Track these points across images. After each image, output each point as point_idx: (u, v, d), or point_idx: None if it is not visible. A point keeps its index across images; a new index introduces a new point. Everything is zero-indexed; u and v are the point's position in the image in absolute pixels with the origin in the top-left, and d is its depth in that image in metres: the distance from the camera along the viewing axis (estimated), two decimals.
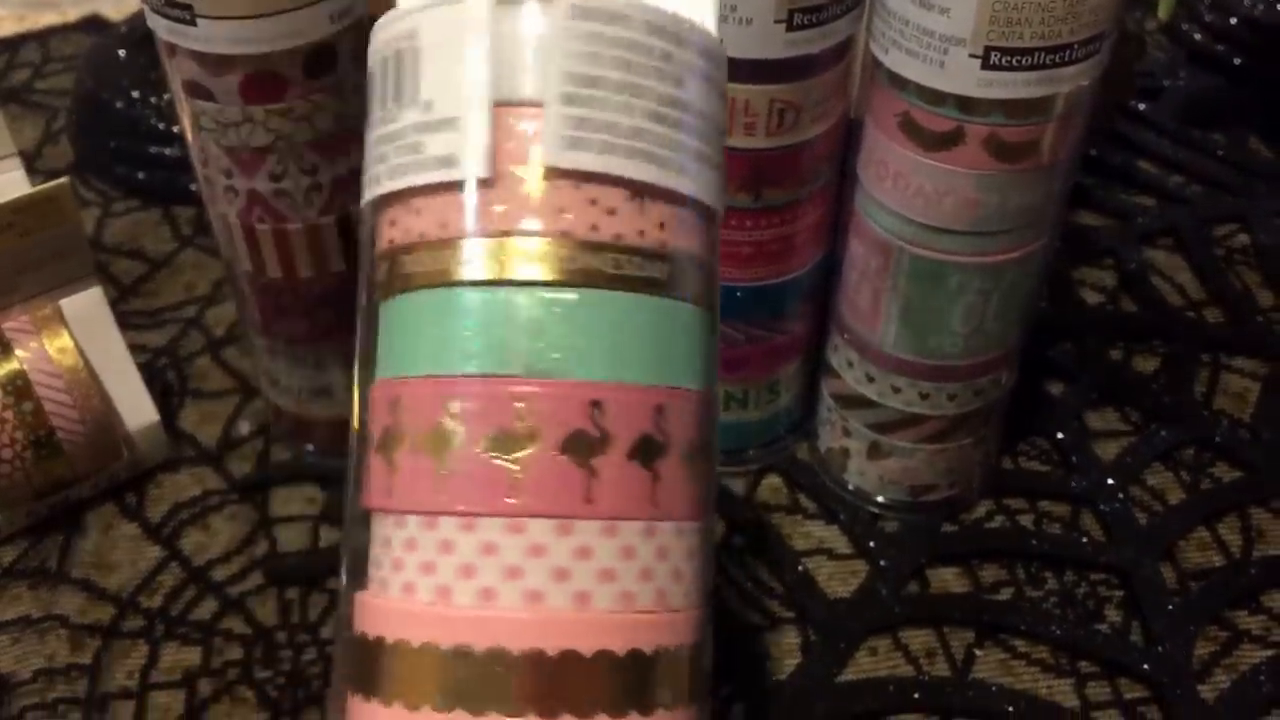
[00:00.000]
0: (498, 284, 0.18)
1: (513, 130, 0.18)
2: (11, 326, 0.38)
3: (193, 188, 0.45)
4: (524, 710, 0.17)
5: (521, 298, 0.18)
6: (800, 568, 0.39)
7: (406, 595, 0.18)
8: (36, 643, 0.37)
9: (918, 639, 0.37)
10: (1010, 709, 0.35)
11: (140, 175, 0.52)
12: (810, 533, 0.40)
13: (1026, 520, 0.40)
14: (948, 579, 0.39)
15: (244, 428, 0.43)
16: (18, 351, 0.38)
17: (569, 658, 0.17)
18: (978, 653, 0.37)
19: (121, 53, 0.54)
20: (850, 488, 0.40)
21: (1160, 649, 0.36)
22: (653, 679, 0.18)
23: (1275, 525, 0.40)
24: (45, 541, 0.40)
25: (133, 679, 0.36)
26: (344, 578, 0.20)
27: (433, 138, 0.19)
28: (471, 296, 0.18)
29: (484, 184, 0.18)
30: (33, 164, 0.54)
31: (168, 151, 0.52)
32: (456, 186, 0.18)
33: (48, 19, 0.64)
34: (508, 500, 0.18)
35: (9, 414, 0.37)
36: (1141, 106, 0.56)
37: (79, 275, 0.39)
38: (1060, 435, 0.42)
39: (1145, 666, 0.36)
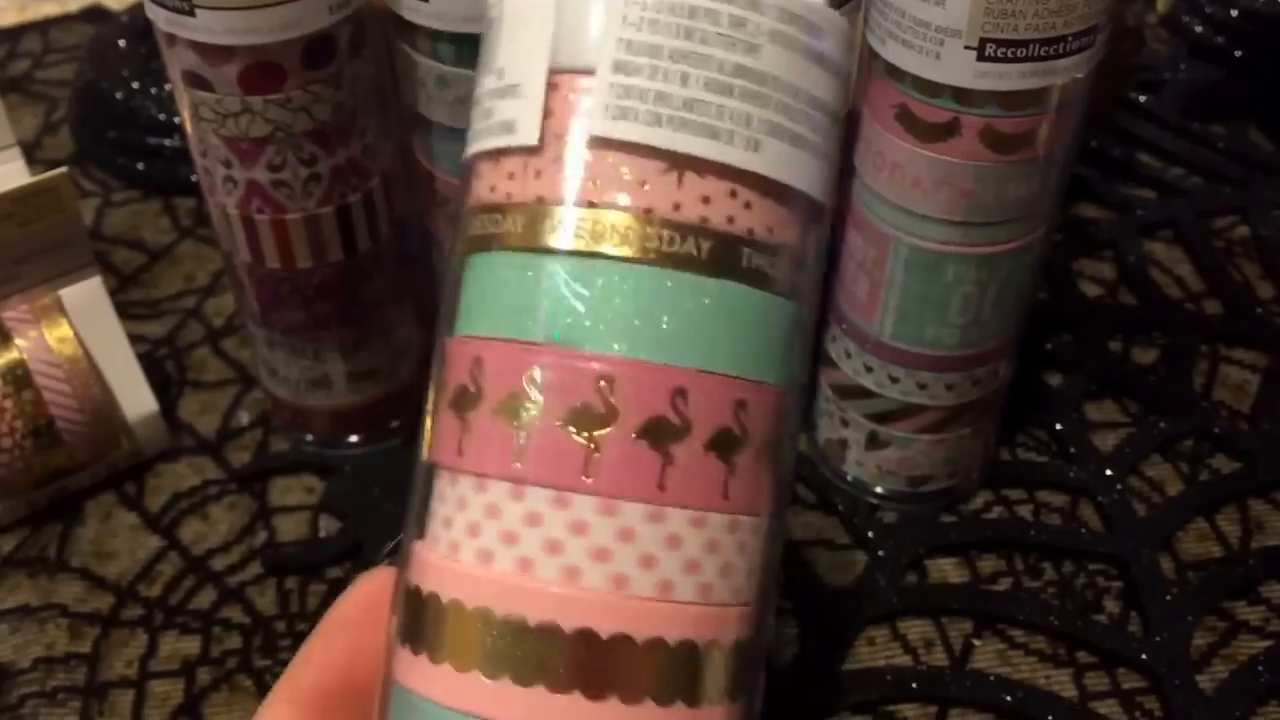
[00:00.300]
0: (589, 256, 0.18)
1: (578, 99, 0.18)
2: (11, 316, 0.38)
3: (193, 178, 0.45)
4: (570, 688, 0.17)
5: (613, 274, 0.18)
6: (799, 558, 0.39)
7: (466, 557, 0.18)
8: (36, 631, 0.37)
9: (916, 629, 0.37)
10: (1008, 699, 0.35)
11: (140, 166, 0.52)
12: (809, 523, 0.40)
13: (1025, 511, 0.40)
14: (946, 569, 0.39)
15: (243, 418, 0.43)
16: (17, 341, 0.38)
17: (619, 640, 0.17)
18: (976, 643, 0.37)
19: (122, 43, 0.54)
20: (849, 478, 0.40)
21: (1159, 639, 0.36)
22: (702, 671, 0.18)
23: (1274, 516, 0.40)
24: (45, 530, 0.40)
25: (132, 668, 0.36)
26: (408, 522, 0.20)
27: (501, 103, 0.19)
28: (562, 266, 0.18)
29: (559, 150, 0.18)
30: (33, 154, 0.54)
31: (168, 142, 0.52)
32: (529, 151, 0.18)
33: (48, 9, 0.64)
34: (583, 478, 0.17)
35: (9, 403, 0.37)
36: (1141, 99, 0.56)
37: (78, 265, 0.39)
38: (1059, 426, 0.42)
39: (1143, 657, 0.36)
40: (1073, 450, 0.42)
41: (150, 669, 0.36)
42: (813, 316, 0.20)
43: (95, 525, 0.40)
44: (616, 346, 0.18)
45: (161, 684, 0.36)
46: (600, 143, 0.18)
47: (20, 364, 0.37)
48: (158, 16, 0.32)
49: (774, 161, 0.18)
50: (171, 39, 0.32)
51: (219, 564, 0.39)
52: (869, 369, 0.37)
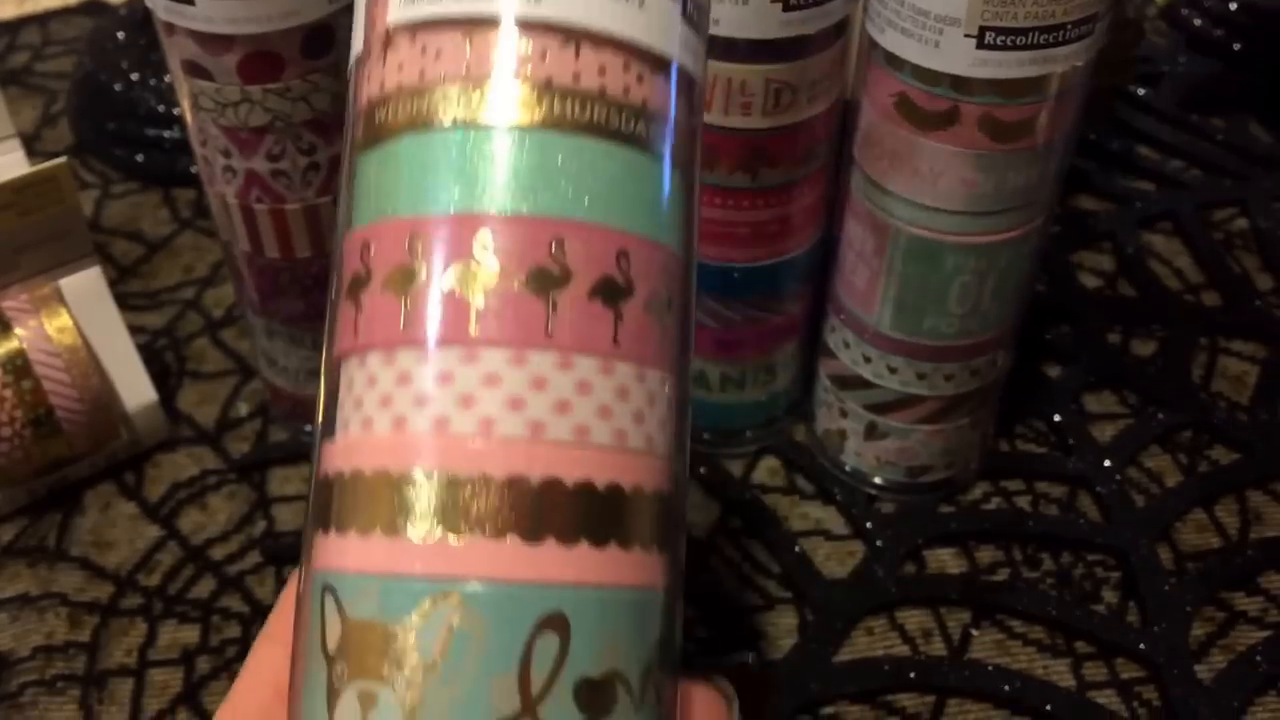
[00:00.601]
0: (471, 126, 0.19)
1: None
2: (11, 305, 0.38)
3: (192, 170, 0.45)
4: (504, 533, 0.17)
5: (495, 139, 0.18)
6: (797, 548, 0.39)
7: (364, 430, 0.19)
8: (35, 620, 0.37)
9: (914, 619, 0.37)
10: (1006, 688, 0.35)
11: (139, 157, 0.52)
12: (807, 514, 0.40)
13: (1023, 502, 0.40)
14: (944, 560, 0.39)
15: (242, 408, 0.43)
16: (17, 330, 0.38)
17: (549, 485, 0.18)
18: (974, 633, 0.37)
19: (121, 35, 0.54)
20: (847, 469, 0.40)
21: (1157, 629, 0.36)
22: (630, 514, 0.18)
23: (1273, 507, 0.40)
24: (44, 520, 0.40)
25: (131, 656, 0.36)
26: (316, 440, 0.20)
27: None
28: (443, 138, 0.19)
29: (457, 27, 0.19)
30: (32, 146, 0.54)
31: (167, 134, 0.52)
32: (435, 26, 0.19)
33: (48, 2, 0.64)
34: (479, 333, 0.18)
35: (8, 392, 0.37)
36: (1141, 92, 0.56)
37: (78, 255, 0.39)
38: (1057, 418, 0.42)
39: (1142, 647, 0.36)
40: (1071, 441, 0.42)
41: (150, 658, 0.36)
42: (694, 190, 0.21)
43: (94, 515, 0.40)
44: (499, 208, 0.18)
45: (161, 673, 0.36)
46: (529, 23, 0.19)
47: (20, 353, 0.37)
48: (157, 5, 0.32)
49: (676, 44, 0.19)
50: (171, 28, 0.32)
51: (218, 553, 0.39)
52: (867, 359, 0.37)
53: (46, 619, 0.37)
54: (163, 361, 0.45)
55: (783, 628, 0.37)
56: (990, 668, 0.36)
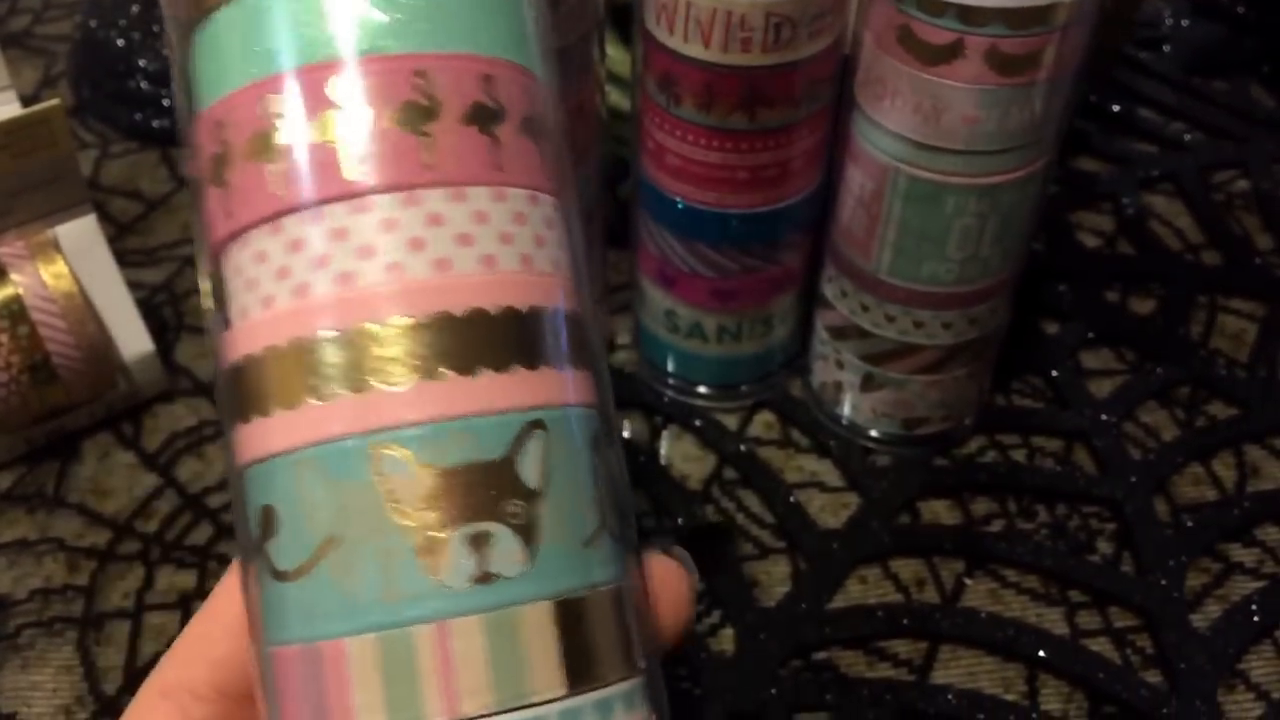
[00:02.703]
0: None
1: None
2: (6, 252, 0.38)
3: None
4: (407, 378, 0.17)
5: None
6: (792, 499, 0.39)
7: (266, 307, 0.18)
8: (33, 564, 0.37)
9: (908, 568, 0.37)
10: (999, 636, 0.35)
11: (138, 117, 0.52)
12: (802, 466, 0.40)
13: (1019, 455, 0.40)
14: (939, 511, 0.39)
15: None
16: (13, 276, 0.38)
17: (441, 320, 0.17)
18: (968, 582, 0.37)
19: None
20: (843, 422, 0.40)
21: (1152, 579, 0.36)
22: (530, 337, 0.18)
23: (1270, 462, 0.40)
24: (43, 467, 0.40)
25: (129, 600, 0.36)
26: (212, 330, 0.20)
27: None
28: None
29: None
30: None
31: (165, 93, 0.52)
32: None
33: None
34: (357, 180, 0.17)
35: (4, 338, 0.37)
36: (1143, 55, 0.56)
37: (73, 203, 0.39)
38: (1055, 373, 0.42)
39: (1136, 596, 0.36)
40: (1068, 396, 0.42)
41: (147, 601, 0.36)
42: (544, 19, 0.21)
43: (93, 463, 0.40)
44: (349, 50, 0.18)
45: (158, 616, 0.36)
46: None
47: (16, 299, 0.37)
48: None
49: None
50: None
51: (215, 501, 0.39)
52: (865, 308, 0.37)
53: (44, 563, 0.37)
54: (161, 316, 0.45)
55: (776, 576, 0.37)
56: (983, 615, 0.36)
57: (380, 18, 0.18)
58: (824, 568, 0.37)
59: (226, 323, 0.19)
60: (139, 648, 0.35)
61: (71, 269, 0.38)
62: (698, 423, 0.41)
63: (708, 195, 0.36)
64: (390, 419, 0.17)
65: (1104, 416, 0.41)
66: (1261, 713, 0.34)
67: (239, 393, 0.18)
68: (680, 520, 0.37)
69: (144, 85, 0.52)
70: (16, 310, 0.37)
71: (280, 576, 0.18)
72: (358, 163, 0.17)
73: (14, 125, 0.36)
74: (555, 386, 0.18)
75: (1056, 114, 0.32)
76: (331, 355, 0.17)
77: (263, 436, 0.18)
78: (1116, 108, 0.54)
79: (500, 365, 0.18)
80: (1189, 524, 0.38)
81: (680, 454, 0.40)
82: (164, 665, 0.21)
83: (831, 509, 0.39)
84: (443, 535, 0.17)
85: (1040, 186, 0.34)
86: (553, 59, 0.20)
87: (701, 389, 0.41)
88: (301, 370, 0.17)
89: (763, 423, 0.41)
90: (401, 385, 0.17)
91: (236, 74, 0.18)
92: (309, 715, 0.17)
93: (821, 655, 0.35)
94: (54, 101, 0.36)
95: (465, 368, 0.17)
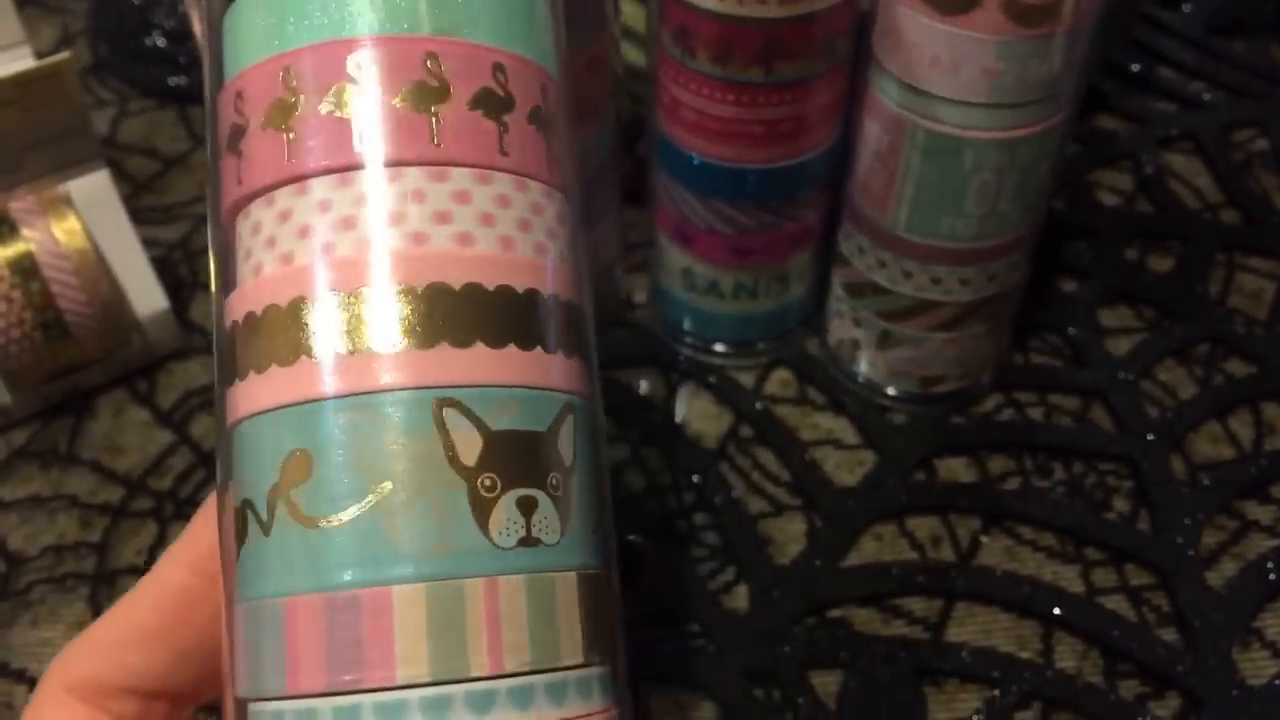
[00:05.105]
0: None
1: None
2: (18, 207, 0.38)
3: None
4: (472, 340, 0.18)
5: None
6: (807, 457, 0.39)
7: (293, 261, 0.18)
8: (46, 521, 0.37)
9: (923, 526, 0.37)
10: (1014, 593, 0.35)
11: (155, 75, 0.52)
12: (818, 424, 0.40)
13: (1036, 413, 0.40)
14: (955, 469, 0.39)
15: None
16: (24, 231, 0.37)
17: (436, 290, 0.18)
18: (983, 539, 0.37)
19: None
20: (860, 380, 0.40)
21: (1168, 536, 0.36)
22: (575, 327, 0.19)
23: None
24: (56, 424, 0.40)
25: (141, 556, 0.37)
26: (215, 305, 0.20)
27: None
28: None
29: None
30: None
31: (183, 52, 0.52)
32: None
33: None
34: (358, 152, 0.18)
35: (16, 294, 0.37)
36: (1163, 13, 0.55)
37: (85, 158, 0.39)
38: (1072, 331, 0.42)
39: (1152, 553, 0.36)
40: (1086, 354, 0.41)
41: (159, 558, 0.36)
42: (562, 24, 0.21)
43: (107, 420, 0.40)
44: (367, 28, 0.18)
45: None
46: None
47: (28, 255, 0.37)
48: None
49: None
50: None
51: None
52: (882, 264, 0.36)
53: (57, 520, 0.38)
54: (177, 274, 0.45)
55: (791, 533, 0.37)
56: (999, 573, 0.36)
57: (399, 4, 0.18)
58: (839, 525, 0.37)
59: (227, 288, 0.19)
60: None
61: (84, 225, 0.38)
62: (714, 380, 0.41)
63: (724, 150, 0.35)
64: (456, 376, 0.18)
65: (1122, 374, 0.41)
66: (1277, 671, 0.34)
67: (256, 342, 0.18)
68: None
69: (161, 43, 0.52)
70: (28, 266, 0.37)
71: (309, 522, 0.17)
72: (365, 137, 0.18)
73: (24, 79, 0.35)
74: (584, 377, 0.20)
75: (1075, 68, 0.31)
76: (393, 307, 0.18)
77: (295, 381, 0.18)
78: (1136, 67, 0.53)
79: (551, 347, 0.18)
80: (1205, 482, 0.38)
81: (697, 412, 0.40)
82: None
83: (847, 466, 0.39)
84: (496, 495, 0.17)
85: (1059, 142, 0.33)
86: (565, 55, 0.21)
87: (718, 347, 0.41)
88: (356, 319, 0.18)
89: (779, 380, 0.41)
90: (466, 346, 0.18)
91: (259, 47, 0.19)
92: (336, 668, 0.17)
93: (836, 613, 0.35)
94: (64, 55, 0.36)
95: (527, 343, 0.18)
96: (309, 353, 0.18)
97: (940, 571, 0.36)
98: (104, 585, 0.36)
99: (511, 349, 0.18)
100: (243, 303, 0.19)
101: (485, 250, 0.18)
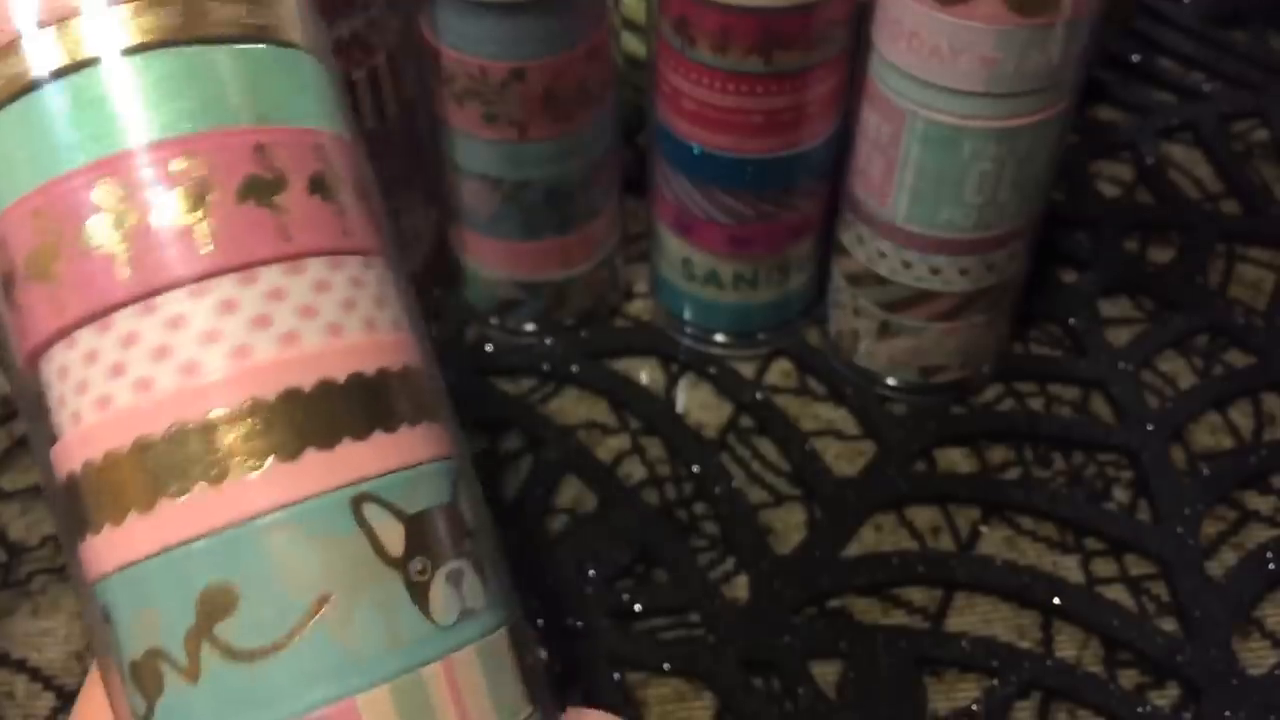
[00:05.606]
0: (81, 66, 0.17)
1: None
2: None
3: None
4: (262, 459, 0.17)
5: (121, 69, 0.17)
6: (807, 447, 0.39)
7: (122, 397, 0.17)
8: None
9: (923, 516, 0.37)
10: (1014, 583, 0.35)
11: None
12: (818, 414, 0.40)
13: (1036, 403, 0.40)
14: (955, 459, 0.39)
15: None
16: None
17: (290, 395, 0.17)
18: (983, 529, 0.37)
19: None
20: (860, 370, 0.40)
21: (1168, 527, 0.36)
22: (384, 398, 0.18)
23: None
24: None
25: None
26: (38, 458, 0.18)
27: None
28: (54, 89, 0.17)
29: None
30: None
31: None
32: None
33: None
34: (203, 258, 0.17)
35: None
36: (1162, 4, 0.55)
37: None
38: (1072, 322, 0.42)
39: (1152, 543, 0.36)
40: (1086, 345, 0.41)
41: None
42: (331, 72, 0.20)
43: None
44: (162, 131, 0.17)
45: None
46: None
47: None
48: None
49: None
50: None
51: None
52: (882, 254, 0.36)
53: None
54: None
55: (791, 523, 0.37)
56: (999, 563, 0.36)
57: (194, 98, 0.17)
58: (839, 515, 0.37)
59: (53, 437, 0.18)
60: None
61: None
62: (714, 371, 0.41)
63: (723, 140, 0.35)
64: (359, 472, 0.17)
65: (1122, 365, 0.41)
66: (1277, 661, 0.34)
67: (81, 505, 0.17)
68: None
69: None
70: None
71: (247, 656, 0.16)
72: (206, 238, 0.17)
73: None
74: (453, 438, 0.19)
75: (1075, 58, 0.31)
76: (187, 449, 0.17)
77: (189, 516, 0.17)
78: (1136, 58, 0.53)
79: (418, 419, 0.18)
80: (1205, 472, 0.38)
81: (697, 402, 0.40)
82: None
83: (847, 457, 0.39)
84: (428, 577, 0.17)
85: (1059, 132, 0.33)
86: (349, 121, 0.20)
87: (718, 337, 0.41)
88: (148, 471, 0.17)
89: (779, 371, 0.41)
90: (364, 438, 0.17)
91: (25, 177, 0.17)
92: None
93: (836, 603, 0.35)
94: None
95: (412, 420, 0.18)
96: (216, 479, 0.17)
97: (940, 561, 0.36)
98: None
99: (403, 429, 0.18)
100: (94, 444, 0.17)
101: (340, 340, 0.18)
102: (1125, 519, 0.37)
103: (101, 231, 0.17)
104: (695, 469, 0.38)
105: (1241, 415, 0.40)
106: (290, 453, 0.17)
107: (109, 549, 0.17)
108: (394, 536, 0.17)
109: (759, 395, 0.40)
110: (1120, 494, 0.38)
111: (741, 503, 0.37)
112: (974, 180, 0.33)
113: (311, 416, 0.17)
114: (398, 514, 0.17)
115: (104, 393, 0.17)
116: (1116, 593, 0.35)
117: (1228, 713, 0.32)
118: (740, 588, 0.35)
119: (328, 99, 0.19)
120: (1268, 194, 0.47)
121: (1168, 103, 0.51)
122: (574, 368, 0.41)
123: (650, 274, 0.42)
